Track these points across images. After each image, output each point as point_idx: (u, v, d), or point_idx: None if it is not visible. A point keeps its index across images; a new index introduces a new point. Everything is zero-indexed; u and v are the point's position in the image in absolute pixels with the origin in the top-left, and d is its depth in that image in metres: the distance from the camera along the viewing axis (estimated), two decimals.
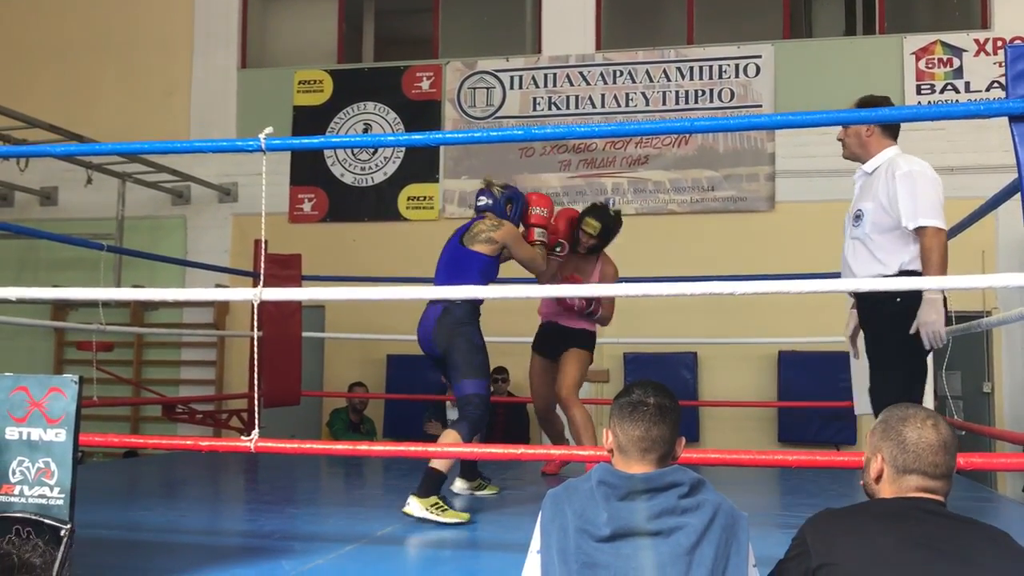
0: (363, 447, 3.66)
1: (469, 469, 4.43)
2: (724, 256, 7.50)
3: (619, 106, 8.43)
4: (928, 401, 3.59)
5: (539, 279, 4.60)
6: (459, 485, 4.38)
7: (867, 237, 3.35)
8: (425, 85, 8.90)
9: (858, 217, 3.42)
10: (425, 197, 8.73)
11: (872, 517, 1.82)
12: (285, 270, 6.31)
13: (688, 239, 7.98)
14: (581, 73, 8.54)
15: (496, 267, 4.21)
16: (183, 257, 8.55)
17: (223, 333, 8.57)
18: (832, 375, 6.78)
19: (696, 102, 8.29)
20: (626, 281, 5.15)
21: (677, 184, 8.21)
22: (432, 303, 4.11)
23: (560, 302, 4.79)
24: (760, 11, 8.83)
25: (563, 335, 4.93)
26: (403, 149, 8.85)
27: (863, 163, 3.44)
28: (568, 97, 8.55)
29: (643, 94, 8.39)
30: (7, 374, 2.51)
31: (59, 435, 2.44)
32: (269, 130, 3.14)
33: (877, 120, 3.27)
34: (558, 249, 4.64)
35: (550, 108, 8.57)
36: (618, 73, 8.47)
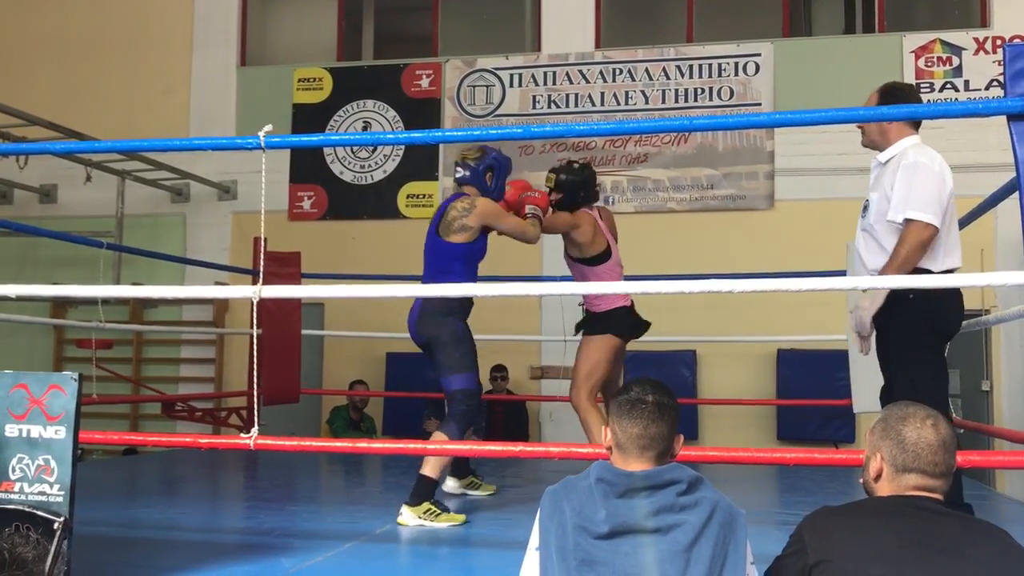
0: (363, 445, 3.67)
1: (461, 466, 4.31)
2: (723, 254, 7.50)
3: (618, 104, 8.43)
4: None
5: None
6: (450, 484, 4.27)
7: (872, 228, 3.27)
8: (425, 83, 8.90)
9: (866, 208, 3.34)
10: (424, 195, 8.73)
11: (869, 514, 1.83)
12: (284, 268, 6.32)
13: (687, 237, 7.98)
14: (581, 71, 8.54)
15: (480, 248, 3.95)
16: (182, 255, 8.55)
17: (222, 331, 8.57)
18: (831, 373, 6.79)
19: (695, 100, 8.29)
20: (626, 279, 5.14)
21: (676, 182, 8.22)
22: None
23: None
24: (760, 9, 8.83)
25: (585, 320, 4.52)
26: (403, 147, 8.85)
27: (880, 151, 3.32)
28: (568, 95, 8.55)
29: (643, 92, 8.40)
30: (7, 371, 2.52)
31: (59, 432, 2.45)
32: (269, 128, 3.14)
33: (877, 118, 3.24)
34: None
35: (550, 106, 8.57)
36: (618, 71, 8.47)
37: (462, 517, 3.65)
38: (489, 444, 3.74)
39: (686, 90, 8.34)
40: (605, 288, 4.20)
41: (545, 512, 1.91)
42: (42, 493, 2.41)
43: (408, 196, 8.78)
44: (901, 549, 1.73)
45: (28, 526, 2.32)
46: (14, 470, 2.44)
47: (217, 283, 7.91)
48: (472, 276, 3.94)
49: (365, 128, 8.95)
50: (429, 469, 3.66)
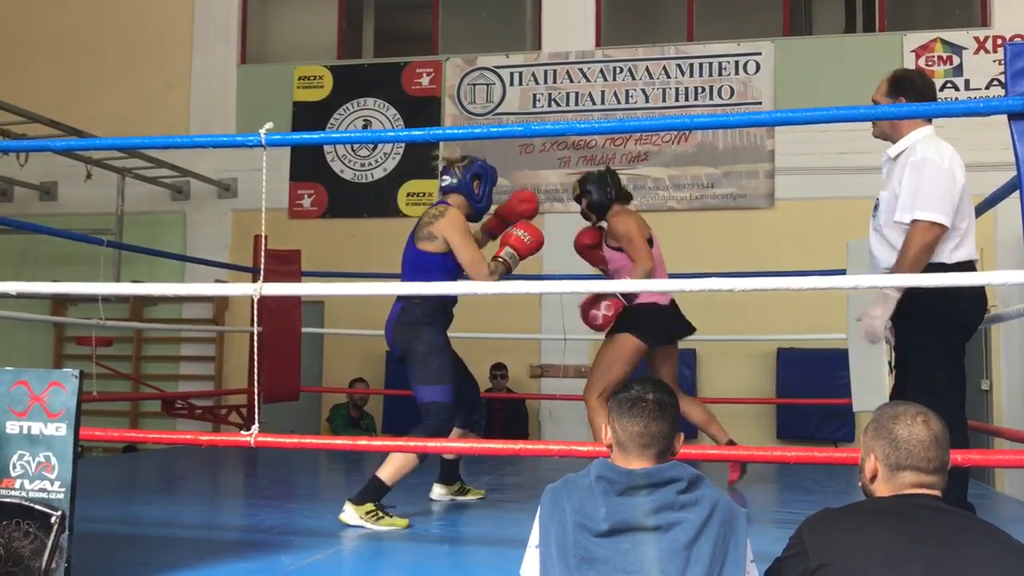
0: (363, 443, 3.66)
1: (449, 472, 4.17)
2: (723, 253, 7.50)
3: (619, 103, 8.43)
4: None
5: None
6: (438, 491, 4.16)
7: (882, 228, 3.19)
8: (425, 81, 8.90)
9: (876, 207, 3.25)
10: (425, 193, 8.73)
11: (869, 516, 1.83)
12: (285, 266, 6.31)
13: (687, 236, 7.96)
14: (581, 70, 8.54)
15: (459, 265, 3.77)
16: (182, 253, 8.55)
17: (222, 329, 8.57)
18: (831, 372, 6.79)
19: (696, 99, 8.29)
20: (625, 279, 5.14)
21: (677, 181, 8.22)
22: (396, 300, 3.84)
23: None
24: (760, 8, 8.83)
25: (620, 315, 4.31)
26: (403, 145, 8.86)
27: (893, 143, 3.23)
28: (568, 94, 8.55)
29: (643, 91, 8.40)
30: (8, 368, 2.52)
31: (60, 429, 2.45)
32: (270, 125, 3.14)
33: (878, 117, 3.23)
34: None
35: (550, 104, 8.57)
36: (618, 70, 8.47)
37: (404, 522, 3.51)
38: (489, 442, 3.74)
39: (686, 89, 8.34)
40: (614, 286, 4.14)
41: (545, 510, 1.91)
42: (43, 490, 2.41)
43: (408, 194, 8.78)
44: (902, 550, 1.73)
45: (28, 522, 2.32)
46: (15, 467, 2.44)
47: (217, 281, 7.90)
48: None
49: (365, 126, 8.95)
50: (386, 474, 3.52)
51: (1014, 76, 2.65)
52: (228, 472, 5.74)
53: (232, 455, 6.02)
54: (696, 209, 8.18)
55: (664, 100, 8.35)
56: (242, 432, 3.12)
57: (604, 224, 4.54)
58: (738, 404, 7.65)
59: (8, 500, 2.37)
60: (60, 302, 8.91)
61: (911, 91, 3.21)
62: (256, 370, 3.63)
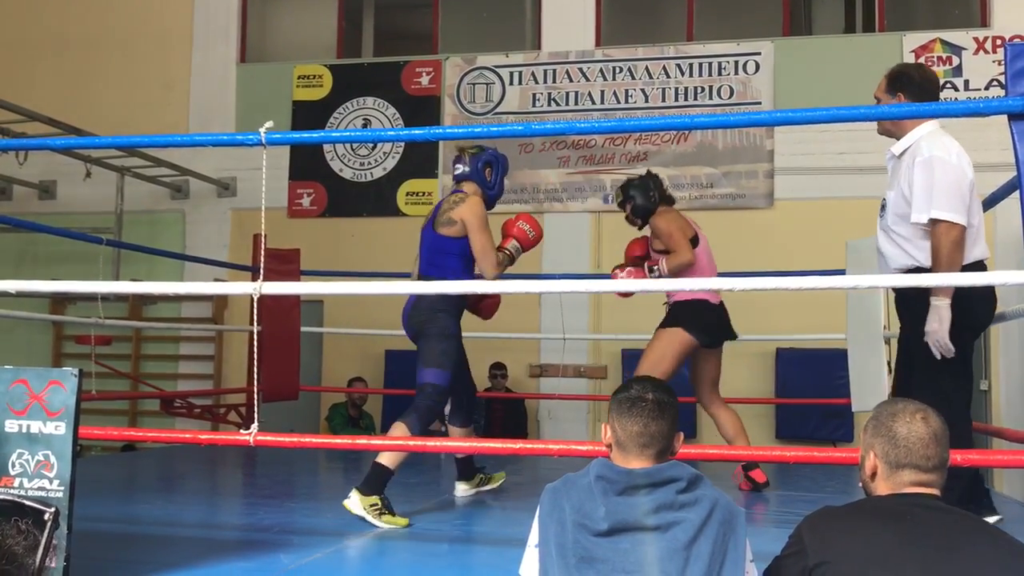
0: (362, 442, 3.67)
1: (466, 469, 4.22)
2: (723, 253, 7.40)
3: (618, 102, 8.43)
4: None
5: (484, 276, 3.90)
6: (461, 489, 4.21)
7: (890, 228, 3.18)
8: (424, 80, 8.90)
9: (883, 207, 3.23)
10: (424, 193, 8.73)
11: (869, 515, 1.83)
12: (284, 265, 6.31)
13: None
14: (581, 69, 8.54)
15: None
16: (182, 251, 8.55)
17: (222, 328, 8.57)
18: (830, 372, 6.79)
19: (695, 99, 8.29)
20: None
21: (676, 181, 8.21)
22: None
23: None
24: (760, 8, 8.83)
25: (668, 312, 4.36)
26: (402, 144, 8.85)
27: (897, 139, 3.22)
28: (568, 93, 8.55)
29: (643, 91, 8.39)
30: (7, 367, 2.51)
31: (59, 428, 2.44)
32: (269, 124, 3.14)
33: (878, 117, 3.23)
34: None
35: (549, 104, 8.57)
36: (618, 69, 8.47)
37: (405, 521, 3.51)
38: (488, 441, 3.74)
39: (686, 89, 8.33)
40: (615, 286, 4.10)
41: (544, 509, 1.91)
42: (42, 488, 2.41)
43: (408, 193, 8.78)
44: (901, 550, 1.73)
45: (22, 519, 2.31)
46: (14, 465, 2.43)
47: (216, 280, 7.90)
48: (468, 272, 3.89)
49: (365, 125, 8.95)
50: (387, 458, 3.55)
51: (1014, 76, 2.65)
52: (227, 471, 5.74)
53: (231, 454, 6.02)
54: (695, 209, 8.13)
55: (664, 100, 8.34)
56: (241, 431, 3.11)
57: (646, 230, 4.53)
58: (737, 404, 7.60)
59: (3, 498, 2.36)
60: (59, 301, 8.91)
61: (910, 86, 3.21)
62: (255, 369, 3.63)
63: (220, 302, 8.91)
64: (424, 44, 9.22)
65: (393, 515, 3.52)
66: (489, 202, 3.99)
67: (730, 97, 8.23)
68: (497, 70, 8.73)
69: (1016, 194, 2.72)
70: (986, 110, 2.77)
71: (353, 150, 8.98)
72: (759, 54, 8.22)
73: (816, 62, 8.13)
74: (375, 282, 5.79)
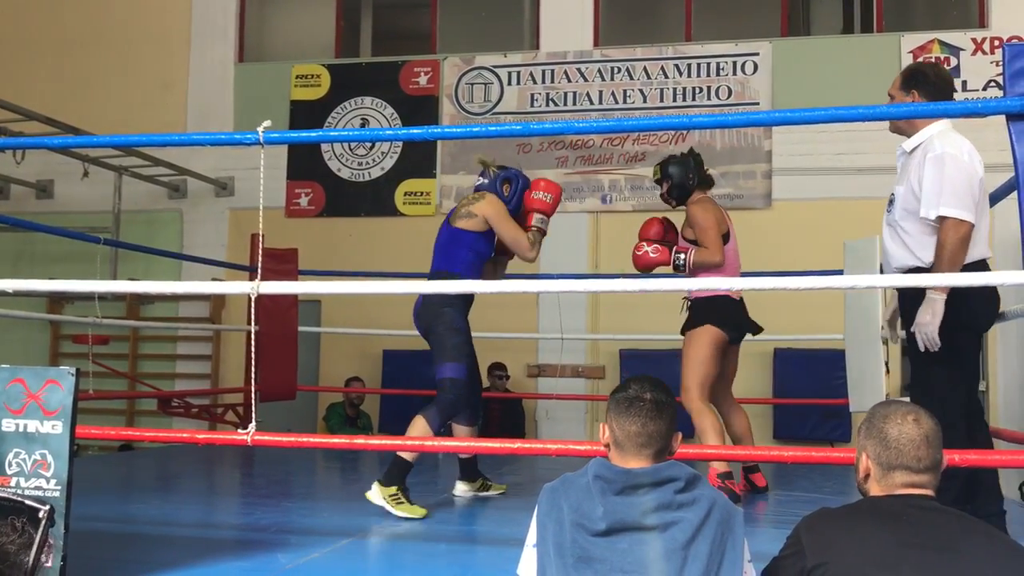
0: (359, 441, 3.67)
1: (470, 469, 4.27)
2: None
3: (617, 103, 8.43)
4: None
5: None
6: (461, 488, 4.25)
7: (897, 224, 3.17)
8: (423, 80, 8.89)
9: (891, 202, 3.23)
10: (422, 192, 8.72)
11: (867, 516, 1.83)
12: (282, 264, 6.31)
13: None
14: (579, 69, 8.54)
15: (488, 243, 4.07)
16: (179, 251, 8.54)
17: (219, 327, 8.56)
18: (828, 372, 6.80)
19: (694, 99, 8.29)
20: (625, 278, 5.14)
21: None
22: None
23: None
24: (758, 9, 8.83)
25: (689, 311, 4.31)
26: (400, 144, 8.85)
27: (908, 137, 3.21)
28: (566, 93, 8.55)
29: (641, 91, 8.40)
30: (4, 366, 2.51)
31: (56, 427, 2.44)
32: (267, 123, 3.14)
33: (878, 118, 3.22)
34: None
35: (548, 104, 8.57)
36: (616, 70, 8.47)
37: (423, 511, 3.67)
38: (486, 441, 3.75)
39: (684, 89, 8.34)
40: (615, 286, 4.08)
41: (543, 509, 1.91)
42: (39, 488, 2.40)
43: (405, 193, 8.78)
44: (898, 550, 1.74)
45: (16, 518, 2.30)
46: (11, 465, 2.43)
47: (214, 279, 7.90)
48: (476, 268, 4.03)
49: (363, 125, 8.95)
50: (406, 452, 3.69)
51: (1012, 77, 2.65)
52: (224, 471, 5.73)
53: (228, 454, 6.01)
54: None
55: (662, 100, 8.35)
56: (239, 431, 3.11)
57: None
58: None
59: None
60: (56, 300, 8.90)
61: (924, 84, 3.20)
62: (253, 369, 3.64)
63: (218, 302, 8.90)
64: (422, 44, 9.21)
65: (411, 504, 3.66)
66: None
67: (728, 97, 8.23)
68: (495, 70, 8.73)
69: (1014, 194, 2.72)
70: (985, 110, 2.77)
71: (351, 150, 8.97)
72: (757, 54, 8.23)
73: (814, 63, 8.13)
74: (373, 282, 5.79)
